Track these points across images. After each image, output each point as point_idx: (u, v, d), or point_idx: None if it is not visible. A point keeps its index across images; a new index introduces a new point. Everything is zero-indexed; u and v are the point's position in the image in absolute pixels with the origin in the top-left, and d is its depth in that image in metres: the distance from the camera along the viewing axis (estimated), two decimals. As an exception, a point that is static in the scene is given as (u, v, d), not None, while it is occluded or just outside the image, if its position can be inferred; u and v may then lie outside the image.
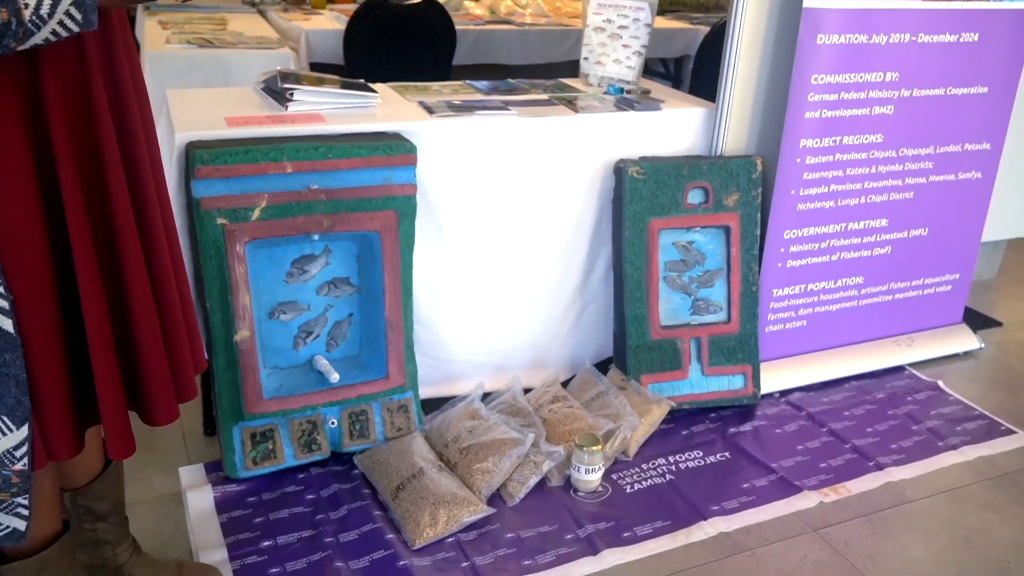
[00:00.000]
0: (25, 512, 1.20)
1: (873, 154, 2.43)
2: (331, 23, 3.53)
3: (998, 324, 3.05)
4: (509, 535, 1.89)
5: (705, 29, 3.99)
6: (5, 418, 1.12)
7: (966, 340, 2.83)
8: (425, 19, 3.24)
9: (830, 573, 1.84)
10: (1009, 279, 3.45)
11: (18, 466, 1.14)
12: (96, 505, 1.48)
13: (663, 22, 4.18)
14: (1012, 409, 2.50)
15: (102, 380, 1.21)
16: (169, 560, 1.67)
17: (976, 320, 2.98)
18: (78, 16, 1.02)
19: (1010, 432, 2.38)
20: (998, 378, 2.69)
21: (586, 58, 2.57)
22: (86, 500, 1.46)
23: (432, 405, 2.24)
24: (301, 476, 2.03)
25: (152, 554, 1.66)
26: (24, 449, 1.14)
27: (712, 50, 3.64)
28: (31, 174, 1.10)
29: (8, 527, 1.20)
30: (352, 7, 3.70)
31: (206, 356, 1.53)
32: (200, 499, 1.93)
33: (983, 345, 2.84)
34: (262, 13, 3.87)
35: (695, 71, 3.83)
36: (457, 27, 3.44)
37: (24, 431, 1.13)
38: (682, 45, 4.08)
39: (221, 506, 1.92)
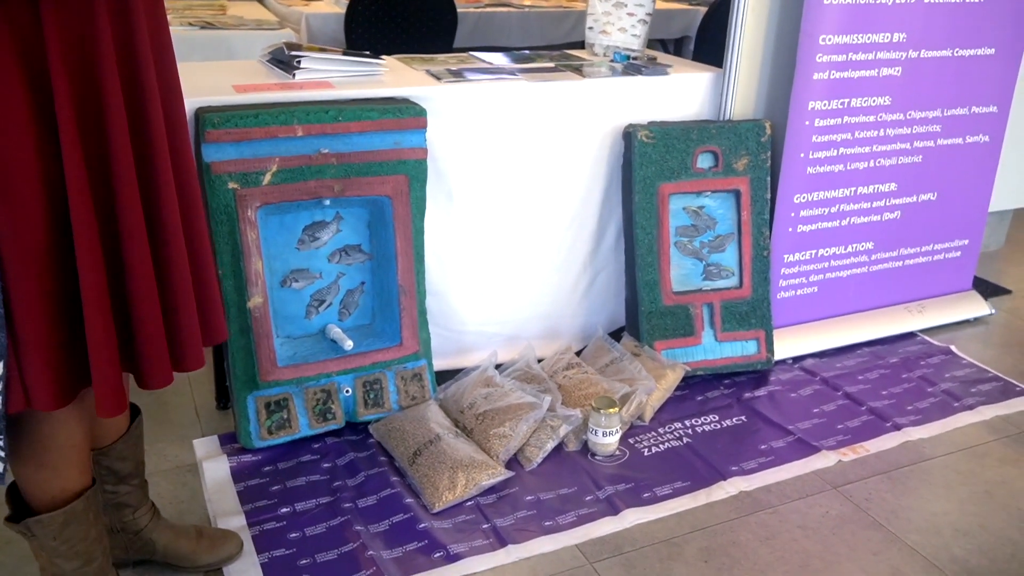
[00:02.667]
0: (1, 454, 1.15)
1: (881, 117, 2.42)
2: (330, 7, 3.52)
3: (1007, 292, 3.04)
4: (528, 497, 1.87)
5: (703, 10, 3.98)
6: None
7: (976, 306, 2.82)
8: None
9: (853, 527, 1.83)
10: (1016, 248, 3.44)
11: None
12: (118, 466, 1.46)
13: (662, 3, 4.18)
14: (1026, 370, 2.50)
15: (93, 331, 1.16)
16: (188, 525, 1.66)
17: (985, 288, 2.97)
18: None
19: (1025, 392, 2.38)
20: (1011, 342, 2.68)
21: (591, 28, 2.56)
22: (108, 460, 1.44)
23: (445, 377, 2.22)
24: (316, 445, 2.01)
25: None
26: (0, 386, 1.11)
27: (712, 29, 3.64)
28: (26, 107, 1.07)
29: None
30: (351, -7, 3.69)
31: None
32: (216, 469, 1.92)
33: (994, 311, 2.83)
34: (260, 1, 3.86)
35: (696, 50, 3.82)
36: (458, 10, 3.43)
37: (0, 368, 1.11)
38: (681, 26, 4.07)
39: (237, 475, 1.90)
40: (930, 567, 1.72)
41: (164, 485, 1.87)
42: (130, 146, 1.16)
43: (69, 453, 1.26)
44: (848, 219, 2.51)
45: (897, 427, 2.18)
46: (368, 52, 2.25)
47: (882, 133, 2.45)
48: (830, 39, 2.24)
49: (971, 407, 2.29)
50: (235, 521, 1.76)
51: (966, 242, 2.77)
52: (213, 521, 1.77)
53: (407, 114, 1.94)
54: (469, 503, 1.84)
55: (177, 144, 1.25)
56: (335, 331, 2.03)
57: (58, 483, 1.26)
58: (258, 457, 1.96)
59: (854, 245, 2.56)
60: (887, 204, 2.56)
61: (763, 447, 2.08)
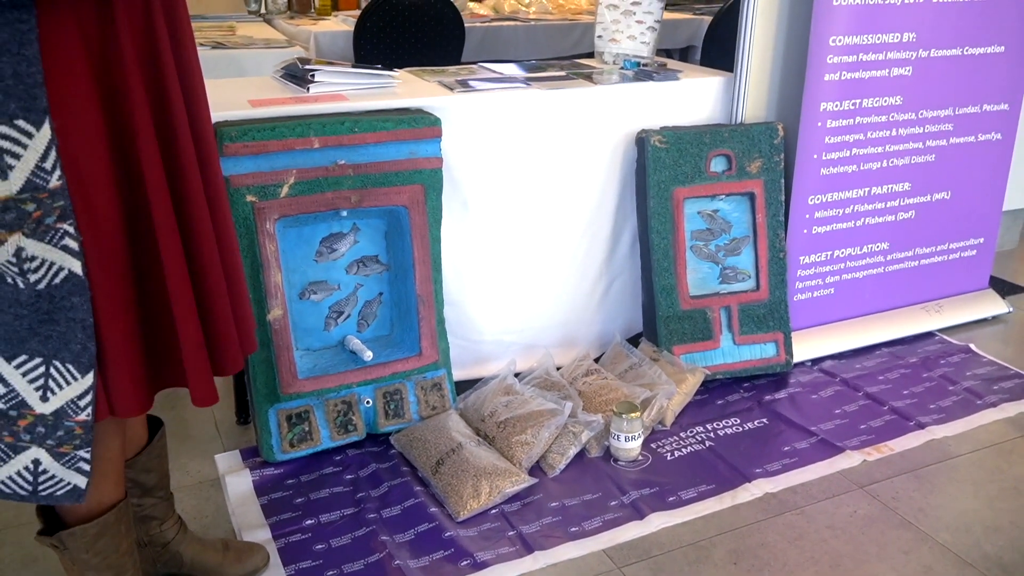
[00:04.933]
0: (87, 467, 1.17)
1: (893, 116, 2.42)
2: (339, 25, 3.55)
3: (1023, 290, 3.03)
4: (553, 504, 1.86)
5: (708, 19, 4.00)
6: (70, 365, 1.10)
7: (994, 305, 2.81)
8: (433, 13, 3.26)
9: (881, 526, 1.81)
10: (1030, 247, 3.43)
11: (82, 416, 1.12)
12: (143, 478, 1.46)
13: (668, 13, 4.19)
14: (1047, 367, 2.48)
15: (183, 322, 1.19)
16: (215, 538, 1.65)
17: (1002, 287, 2.96)
18: None
19: (1048, 389, 2.36)
20: (1030, 339, 2.67)
21: (600, 36, 2.57)
22: (134, 472, 1.44)
23: (463, 387, 2.22)
24: (338, 458, 2.01)
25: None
26: (88, 399, 1.12)
27: (719, 37, 3.65)
28: (100, 116, 1.09)
29: (69, 484, 1.17)
30: (356, 12, 3.72)
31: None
32: (239, 483, 1.91)
33: (1011, 309, 2.82)
34: (268, 22, 3.89)
35: (703, 58, 3.83)
36: (465, 25, 3.45)
37: (89, 379, 1.11)
38: (687, 35, 4.09)
39: (260, 489, 1.90)
40: (963, 564, 1.70)
41: (188, 500, 1.86)
42: (193, 149, 1.17)
43: (106, 465, 1.26)
44: (863, 219, 2.51)
45: (921, 426, 2.16)
46: (380, 65, 2.27)
47: (894, 133, 2.45)
48: (840, 40, 2.25)
49: (994, 404, 2.27)
50: (260, 534, 1.76)
51: (981, 240, 2.76)
52: (238, 535, 1.76)
53: (422, 124, 1.95)
54: (494, 511, 1.83)
55: (205, 153, 1.26)
56: (354, 342, 2.03)
57: (94, 495, 1.25)
58: (281, 470, 1.96)
59: (869, 245, 2.55)
60: (901, 204, 2.56)
61: (786, 449, 2.07)
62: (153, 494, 1.50)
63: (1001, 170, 2.71)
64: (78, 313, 1.09)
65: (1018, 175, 2.87)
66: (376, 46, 3.22)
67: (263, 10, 4.05)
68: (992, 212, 2.75)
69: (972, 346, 2.59)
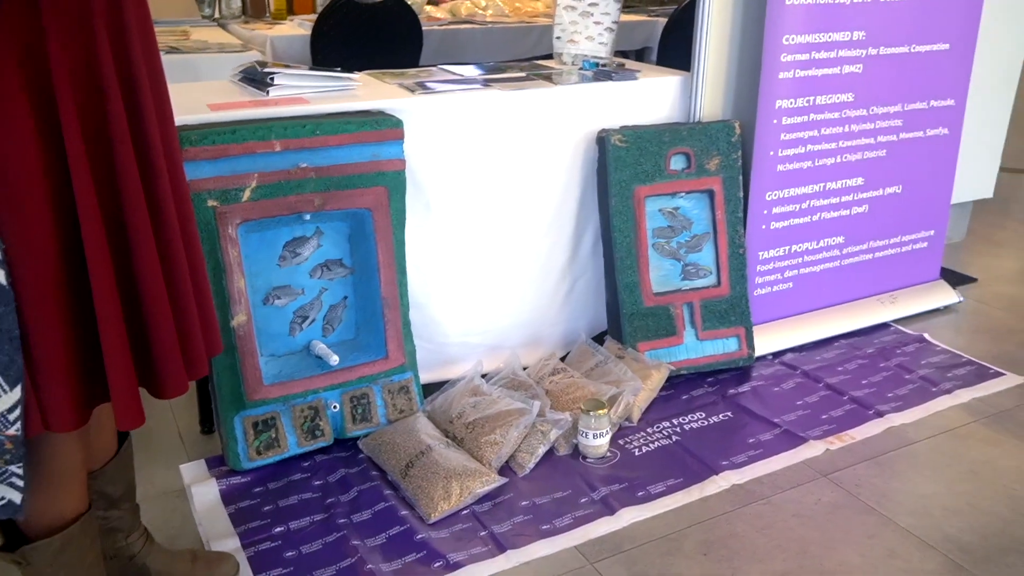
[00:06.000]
0: (20, 483, 1.13)
1: (845, 113, 2.48)
2: (295, 29, 3.52)
3: (973, 280, 3.11)
4: (524, 503, 1.87)
5: (663, 20, 4.05)
6: None
7: (946, 295, 2.88)
8: (390, 17, 3.25)
9: (846, 513, 1.85)
10: (978, 239, 3.53)
11: (11, 431, 1.08)
12: (109, 489, 1.43)
13: (623, 16, 4.23)
14: (998, 354, 2.55)
15: (109, 343, 1.15)
16: (183, 549, 1.63)
17: (952, 278, 3.04)
18: None
19: (999, 374, 2.43)
20: (980, 327, 2.75)
21: (558, 37, 2.59)
22: (99, 484, 1.41)
23: (430, 390, 2.21)
24: (306, 464, 1.99)
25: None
26: (18, 412, 1.08)
27: (674, 37, 3.69)
28: (30, 120, 1.06)
29: (3, 498, 1.13)
30: (312, 16, 3.70)
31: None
32: (205, 492, 1.88)
33: (962, 299, 2.90)
34: (223, 26, 3.84)
35: (659, 58, 3.87)
36: (422, 28, 3.45)
37: (17, 392, 1.07)
38: (643, 37, 4.14)
39: (228, 498, 1.87)
40: (925, 547, 1.75)
41: (153, 512, 1.83)
42: (135, 158, 1.15)
43: (68, 477, 1.24)
44: (819, 214, 2.56)
45: (880, 414, 2.21)
46: (339, 68, 2.25)
47: (847, 129, 2.50)
48: (793, 39, 2.30)
49: (949, 391, 2.33)
50: (229, 543, 1.73)
51: (932, 233, 2.84)
52: (206, 544, 1.73)
53: (384, 126, 1.95)
54: (465, 511, 1.83)
55: (172, 156, 1.24)
56: (320, 347, 2.01)
57: (56, 508, 1.23)
58: (248, 478, 1.93)
59: (825, 240, 2.61)
60: (855, 198, 2.62)
61: (751, 440, 2.10)
62: (119, 506, 1.47)
63: (949, 164, 2.78)
64: (3, 324, 1.05)
65: (964, 169, 2.96)
66: (334, 50, 3.20)
67: (217, 14, 4.00)
68: (941, 205, 2.83)
69: (926, 335, 2.66)
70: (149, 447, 2.06)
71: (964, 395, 2.32)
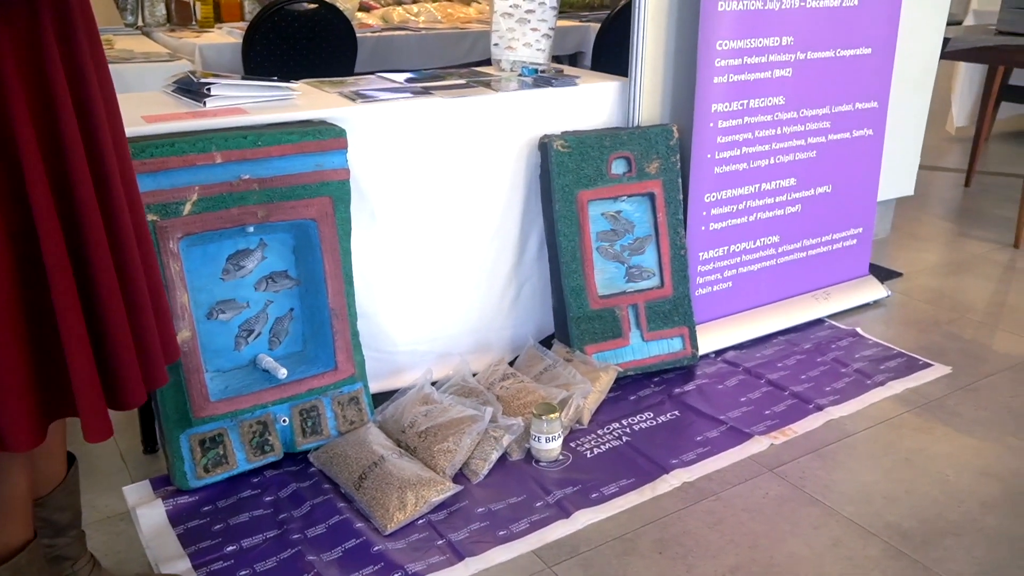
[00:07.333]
0: None
1: (777, 116, 2.56)
2: (224, 37, 3.45)
3: (899, 275, 3.24)
4: (480, 510, 1.87)
5: (596, 26, 4.10)
6: None
7: (875, 290, 2.99)
8: (323, 23, 3.21)
9: (792, 505, 1.90)
10: (902, 234, 3.68)
11: None
12: (56, 516, 1.38)
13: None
14: (926, 345, 2.66)
15: (74, 357, 1.12)
16: (131, 574, 1.58)
17: (880, 273, 3.16)
18: None
19: (928, 365, 2.53)
20: (908, 320, 2.86)
21: (496, 44, 2.60)
22: (46, 511, 1.36)
23: (380, 400, 2.19)
24: (256, 480, 1.95)
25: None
26: None
27: (608, 42, 3.75)
28: None
29: None
30: (242, 24, 3.63)
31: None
32: (151, 514, 1.83)
33: (890, 293, 3.01)
34: (147, 34, 3.74)
35: (594, 62, 3.92)
36: (356, 35, 3.42)
37: None
38: (575, 42, 4.18)
39: (175, 518, 1.82)
40: (867, 535, 1.81)
41: (97, 537, 1.77)
42: (88, 168, 1.11)
43: (12, 504, 1.19)
44: (755, 215, 2.63)
45: (819, 408, 2.29)
46: (276, 77, 2.22)
47: (779, 131, 2.58)
48: (726, 44, 2.36)
49: (882, 383, 2.42)
50: (179, 565, 1.69)
51: (860, 230, 2.95)
52: (155, 568, 1.69)
53: (327, 135, 1.93)
54: (421, 521, 1.83)
55: (125, 168, 1.21)
56: (267, 360, 1.98)
57: (1, 538, 1.18)
58: (195, 497, 1.89)
59: (762, 239, 2.68)
60: (788, 199, 2.70)
61: (699, 438, 2.14)
62: (66, 533, 1.42)
63: (874, 164, 2.89)
64: None
65: (888, 167, 3.08)
66: (267, 58, 3.15)
67: (140, 22, 3.89)
68: (868, 203, 2.94)
69: (859, 330, 2.76)
70: (90, 470, 1.99)
71: (897, 386, 2.41)
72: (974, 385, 2.43)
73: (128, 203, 1.20)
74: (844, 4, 2.58)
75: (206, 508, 1.86)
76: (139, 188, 1.68)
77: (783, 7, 2.44)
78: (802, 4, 2.48)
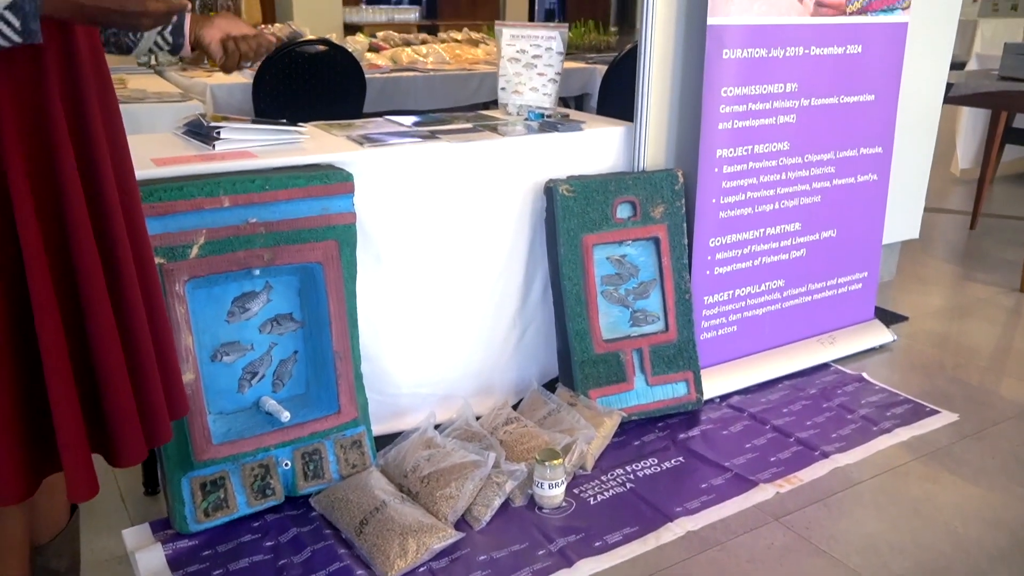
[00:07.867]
0: None
1: (782, 161, 2.57)
2: (236, 77, 3.49)
3: (905, 318, 3.23)
4: (481, 557, 1.85)
5: (602, 68, 4.15)
6: None
7: (880, 334, 2.99)
8: (333, 65, 3.26)
9: (797, 556, 1.88)
10: (907, 278, 3.67)
11: None
12: (55, 563, 1.37)
13: (560, 63, 4.32)
14: (931, 391, 2.65)
15: (60, 416, 1.12)
16: (128, 621, 1.56)
17: (885, 316, 3.15)
18: (15, 22, 0.98)
19: (934, 412, 2.51)
20: (914, 365, 2.85)
21: (503, 88, 2.63)
22: (45, 558, 1.35)
23: (382, 442, 2.18)
24: (256, 524, 1.94)
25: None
26: None
27: (614, 85, 3.79)
28: None
29: None
30: (252, 65, 3.68)
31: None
32: (150, 558, 1.82)
33: (896, 338, 3.00)
34: (160, 73, 3.80)
35: (600, 105, 3.96)
36: (365, 76, 3.46)
37: None
38: (580, 83, 4.23)
39: (174, 563, 1.81)
40: (874, 587, 1.79)
41: (95, 581, 1.76)
42: (89, 222, 1.12)
43: (9, 552, 1.18)
44: (760, 259, 2.63)
45: (825, 455, 2.27)
46: (284, 120, 2.25)
47: (784, 176, 2.59)
48: (731, 90, 2.38)
49: (888, 430, 2.41)
50: (177, 612, 1.67)
51: (865, 274, 2.95)
52: (153, 614, 1.67)
53: (334, 179, 1.95)
54: (422, 568, 1.81)
55: (133, 219, 1.22)
56: (270, 403, 1.98)
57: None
58: (195, 541, 1.87)
59: (767, 283, 2.68)
60: (793, 243, 2.70)
61: (704, 486, 2.13)
62: (63, 580, 1.41)
63: (879, 207, 2.90)
64: None
65: (893, 211, 3.08)
66: (276, 99, 3.19)
67: (154, 61, 3.94)
68: (873, 247, 2.94)
69: (865, 374, 2.74)
70: (90, 510, 1.98)
71: (903, 433, 2.39)
72: (981, 433, 2.41)
73: (137, 258, 1.20)
74: (848, 51, 2.61)
75: (206, 552, 1.84)
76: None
77: (787, 55, 2.46)
78: (806, 52, 2.50)
